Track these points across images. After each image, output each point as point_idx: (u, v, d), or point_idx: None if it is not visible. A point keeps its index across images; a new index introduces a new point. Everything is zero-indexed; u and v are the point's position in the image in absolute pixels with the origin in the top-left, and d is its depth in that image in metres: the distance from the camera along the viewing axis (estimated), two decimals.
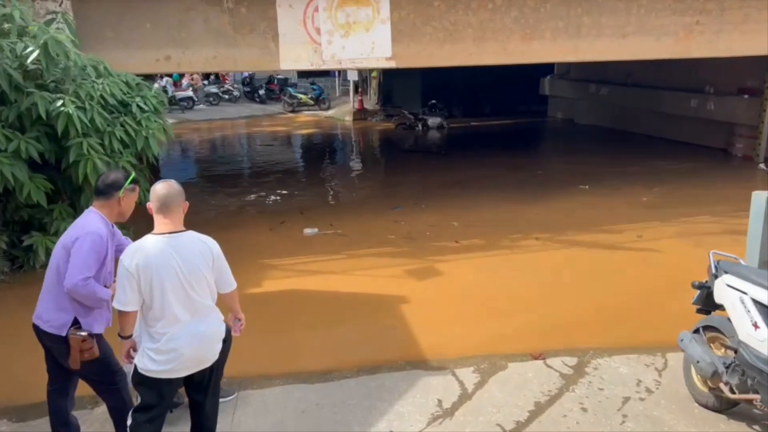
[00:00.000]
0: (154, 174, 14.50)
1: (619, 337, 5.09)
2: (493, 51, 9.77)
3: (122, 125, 6.81)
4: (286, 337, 5.30)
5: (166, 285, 2.94)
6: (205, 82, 25.76)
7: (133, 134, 6.87)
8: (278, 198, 10.77)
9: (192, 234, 3.16)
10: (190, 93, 23.06)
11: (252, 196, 10.94)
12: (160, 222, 3.11)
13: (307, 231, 8.40)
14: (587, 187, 10.85)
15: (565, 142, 17.00)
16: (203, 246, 3.15)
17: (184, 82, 25.19)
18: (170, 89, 22.44)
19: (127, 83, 7.19)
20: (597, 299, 5.91)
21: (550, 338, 5.09)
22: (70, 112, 6.12)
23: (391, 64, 9.30)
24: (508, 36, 9.58)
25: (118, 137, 6.67)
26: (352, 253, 7.46)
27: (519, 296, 6.06)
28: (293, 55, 8.89)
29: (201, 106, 24.43)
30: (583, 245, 7.50)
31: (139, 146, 6.93)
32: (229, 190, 11.51)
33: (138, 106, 7.04)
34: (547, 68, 20.66)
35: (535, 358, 4.72)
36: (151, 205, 3.12)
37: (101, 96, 6.57)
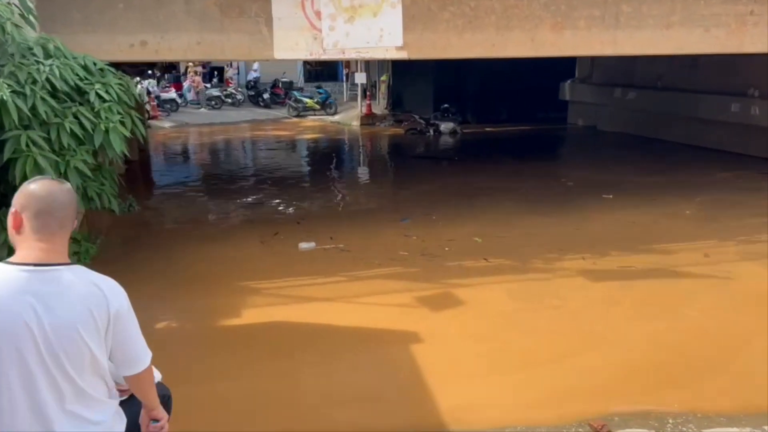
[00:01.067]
0: (145, 177, 13.49)
1: (707, 396, 3.82)
2: (518, 41, 8.56)
3: (75, 116, 5.61)
4: (263, 389, 4.06)
5: (6, 355, 1.70)
6: (208, 85, 24.69)
7: (89, 128, 5.67)
8: (274, 206, 9.56)
9: (79, 271, 1.90)
10: (173, 95, 21.93)
11: (245, 203, 9.74)
12: (26, 244, 1.86)
13: (303, 245, 7.17)
14: (611, 196, 9.63)
15: (588, 149, 15.70)
16: (94, 294, 1.87)
17: (185, 84, 24.15)
18: (153, 91, 21.31)
19: (85, 67, 5.99)
20: (669, 341, 4.64)
21: (612, 397, 3.83)
22: (4, 97, 4.93)
23: (402, 55, 8.09)
24: (537, 24, 8.36)
25: (69, 130, 5.47)
26: (355, 274, 6.22)
27: (567, 335, 4.79)
28: (289, 43, 7.70)
29: (202, 109, 23.34)
30: (636, 268, 6.22)
31: (97, 142, 5.70)
32: (221, 197, 10.32)
33: (97, 94, 5.84)
34: (567, 73, 19.48)
35: (597, 431, 3.45)
36: (16, 213, 1.89)
37: (48, 80, 5.38)
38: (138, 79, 16.08)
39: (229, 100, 24.48)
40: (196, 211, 9.41)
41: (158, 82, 23.53)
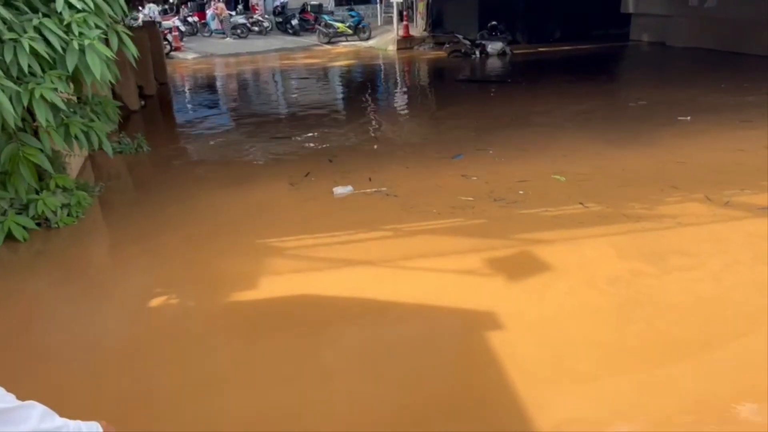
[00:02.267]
0: (165, 114, 12.25)
1: None
2: None
3: (39, 31, 4.34)
4: (287, 395, 2.90)
5: None
6: (232, 12, 23.06)
7: (59, 47, 4.40)
8: (305, 142, 8.25)
9: None
10: (176, 22, 20.23)
11: (274, 139, 8.44)
12: None
13: (338, 191, 5.89)
14: (689, 118, 8.13)
15: (659, 68, 13.73)
16: None
17: (209, 12, 22.58)
18: (154, 17, 19.67)
19: None
20: None
21: None
22: None
23: None
24: None
25: (28, 50, 4.20)
26: (405, 227, 4.93)
27: (713, 309, 3.46)
28: None
29: (227, 39, 21.85)
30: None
31: (71, 66, 4.45)
32: (247, 133, 9.05)
33: (67, 1, 4.52)
34: None
35: None
36: None
37: None
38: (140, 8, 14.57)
39: (256, 28, 22.86)
40: (219, 150, 8.19)
41: (172, 10, 21.87)
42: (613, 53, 16.17)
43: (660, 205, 5.00)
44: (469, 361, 3.15)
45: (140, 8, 14.04)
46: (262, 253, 4.60)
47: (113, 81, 5.01)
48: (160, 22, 19.88)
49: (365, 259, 4.37)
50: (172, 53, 19.48)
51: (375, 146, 7.96)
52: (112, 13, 4.92)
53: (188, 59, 19.12)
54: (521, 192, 5.45)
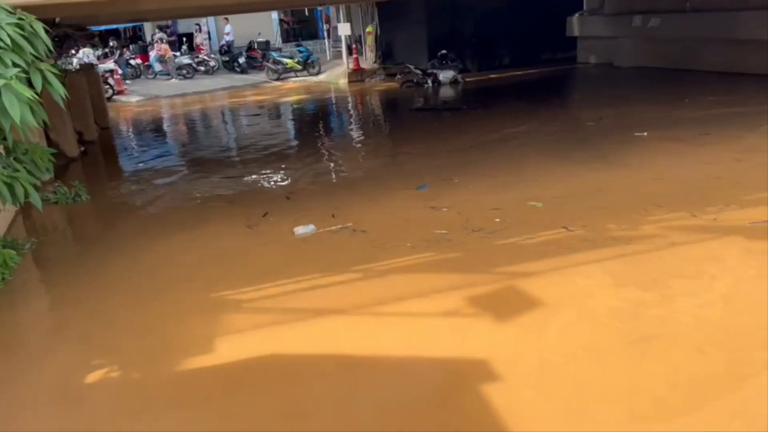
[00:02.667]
0: (108, 159, 11.47)
1: None
2: None
3: None
4: None
5: None
6: (177, 53, 22.49)
7: None
8: (261, 180, 7.76)
9: None
10: (111, 65, 19.51)
11: (227, 179, 7.92)
12: None
13: (300, 230, 5.41)
14: (645, 134, 8.05)
15: (609, 88, 13.86)
16: None
17: (152, 54, 21.95)
18: (90, 60, 18.90)
19: None
20: None
21: None
22: None
23: None
24: None
25: None
26: (377, 266, 4.48)
27: (731, 336, 3.09)
28: None
29: (172, 80, 21.21)
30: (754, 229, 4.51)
31: None
32: (198, 175, 8.50)
33: None
34: (571, 6, 17.50)
35: None
36: None
37: None
38: (73, 51, 13.86)
39: (202, 68, 22.32)
40: (167, 194, 7.60)
41: (113, 53, 21.15)
42: (564, 76, 16.31)
43: (647, 225, 4.71)
44: (466, 422, 2.68)
45: (74, 52, 13.36)
46: (218, 309, 4.06)
47: (39, 125, 4.44)
48: (96, 65, 19.13)
49: (337, 307, 3.89)
50: (115, 97, 18.77)
51: (334, 180, 7.54)
52: (33, 50, 4.38)
53: (132, 102, 18.44)
54: (498, 220, 5.09)
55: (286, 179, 7.69)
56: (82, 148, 10.64)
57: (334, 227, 5.39)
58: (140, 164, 9.83)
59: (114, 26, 25.05)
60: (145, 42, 24.57)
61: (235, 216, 6.29)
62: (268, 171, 8.20)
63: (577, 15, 17.26)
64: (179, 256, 5.32)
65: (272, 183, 7.59)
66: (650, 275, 3.86)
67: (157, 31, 23.29)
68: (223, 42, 23.81)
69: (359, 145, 10.19)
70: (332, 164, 8.66)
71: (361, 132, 11.49)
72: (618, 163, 6.74)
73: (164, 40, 22.25)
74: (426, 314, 3.67)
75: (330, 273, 4.44)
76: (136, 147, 11.85)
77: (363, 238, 5.05)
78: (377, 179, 7.31)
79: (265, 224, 5.95)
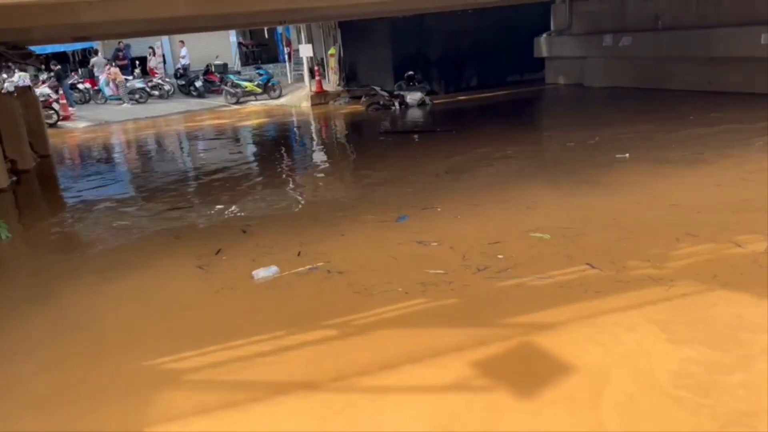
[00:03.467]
0: (46, 191, 10.25)
1: None
2: None
3: None
4: None
5: None
6: (129, 77, 21.35)
7: None
8: (215, 212, 6.83)
9: None
10: (46, 90, 18.19)
11: (177, 211, 6.95)
12: None
13: (260, 273, 4.50)
14: (627, 155, 7.46)
15: (582, 108, 13.43)
16: None
17: (101, 78, 20.77)
18: (24, 85, 17.65)
19: None
20: None
21: None
22: None
23: None
24: None
25: None
26: (360, 319, 3.61)
27: None
28: None
29: (124, 104, 20.06)
30: None
31: None
32: (144, 206, 7.51)
33: None
34: (538, 26, 17.18)
35: None
36: None
37: None
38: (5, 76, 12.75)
39: (156, 92, 21.23)
40: (108, 229, 6.59)
41: (50, 77, 19.82)
42: (534, 97, 15.88)
43: (685, 259, 3.98)
44: None
45: (6, 75, 12.21)
46: (152, 383, 3.13)
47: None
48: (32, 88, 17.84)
49: (306, 380, 2.99)
50: (60, 123, 17.54)
51: (297, 211, 6.65)
52: None
53: (78, 128, 17.23)
54: (501, 257, 4.28)
55: (243, 210, 6.78)
56: (14, 178, 9.51)
57: (301, 268, 4.50)
58: (80, 195, 8.76)
59: (62, 48, 23.85)
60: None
61: (184, 254, 5.36)
62: (222, 200, 7.28)
63: (544, 35, 16.92)
64: (115, 308, 4.36)
65: (227, 214, 6.67)
66: (711, 326, 3.10)
67: (94, 55, 22.20)
68: (179, 65, 22.79)
69: (324, 171, 9.34)
70: (295, 192, 7.79)
71: (325, 157, 10.65)
72: (614, 188, 6.06)
73: (113, 63, 21.15)
74: (424, 389, 2.81)
75: (299, 330, 3.55)
76: (77, 176, 10.73)
77: (340, 281, 4.18)
78: (347, 209, 6.41)
79: (218, 263, 5.03)
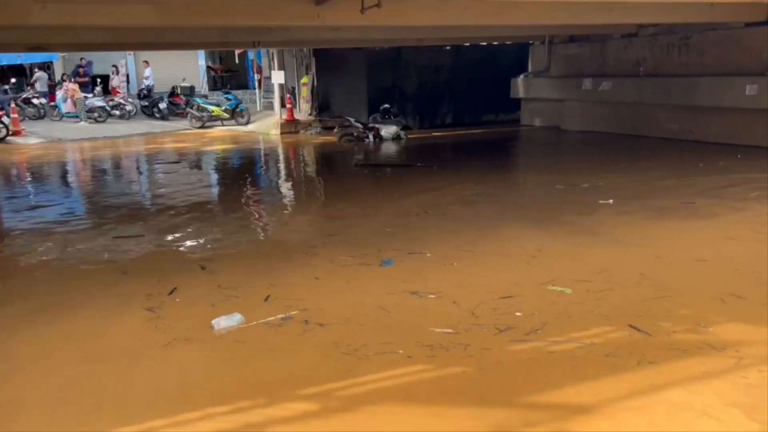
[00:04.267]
0: None
1: None
2: None
3: None
4: None
5: None
6: (89, 95, 20.32)
7: None
8: (169, 244, 6.02)
9: None
10: None
11: (127, 242, 6.09)
12: None
13: (221, 323, 3.72)
14: (611, 201, 7.00)
15: (564, 151, 13.14)
16: None
17: (59, 94, 19.71)
18: None
19: None
20: None
21: None
22: None
23: None
24: None
25: None
26: (346, 391, 2.85)
27: None
28: None
29: (81, 123, 19.00)
30: None
31: None
32: (90, 235, 6.62)
33: None
34: (515, 67, 17.02)
35: None
36: None
37: None
38: None
39: (117, 112, 20.24)
40: (41, 261, 5.68)
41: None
42: (511, 137, 15.57)
43: (740, 323, 3.37)
44: None
45: None
46: None
47: None
48: None
49: None
50: (9, 138, 16.41)
51: (263, 248, 5.88)
52: None
53: (29, 144, 16.13)
54: (519, 314, 3.61)
55: (202, 243, 5.99)
56: None
57: (272, 317, 3.74)
58: (13, 217, 7.80)
59: (19, 62, 22.74)
60: (53, 81, 22.30)
61: (132, 293, 4.54)
62: (179, 231, 6.48)
63: (522, 76, 16.72)
64: (38, 360, 3.53)
65: (183, 246, 5.87)
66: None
67: (36, 70, 21.23)
68: (143, 86, 21.90)
69: (294, 203, 8.60)
70: (261, 226, 7.03)
71: (295, 188, 9.93)
72: (618, 238, 5.48)
73: (71, 79, 20.15)
74: None
75: (269, 401, 2.79)
76: (16, 197, 9.72)
77: (322, 336, 3.44)
78: (320, 248, 5.64)
79: (171, 306, 4.23)
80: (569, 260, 4.75)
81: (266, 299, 4.16)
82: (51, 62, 23.27)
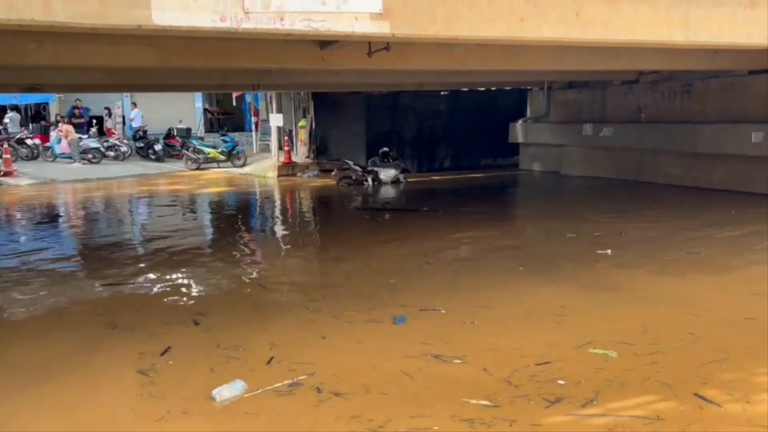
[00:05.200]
0: None
1: None
2: (558, 16, 5.41)
3: None
4: None
5: None
6: (84, 136, 20.12)
7: None
8: (162, 294, 5.66)
9: None
10: None
11: (115, 293, 5.73)
12: None
13: (224, 393, 3.34)
14: (609, 252, 6.78)
15: (564, 197, 12.92)
16: None
17: (53, 135, 19.50)
18: None
19: None
20: None
21: None
22: None
23: (382, 29, 4.74)
24: None
25: None
26: None
27: None
28: None
29: (75, 164, 18.72)
30: None
31: None
32: (76, 283, 6.27)
33: None
34: (512, 112, 17.01)
35: None
36: None
37: None
38: None
39: (112, 153, 20.03)
40: (23, 311, 5.30)
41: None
42: (511, 182, 15.42)
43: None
44: None
45: None
46: None
47: None
48: None
49: None
50: (1, 179, 16.12)
51: (260, 299, 5.50)
52: None
53: (21, 185, 15.82)
54: (562, 382, 3.26)
55: (196, 293, 5.65)
56: None
57: (279, 383, 3.37)
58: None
59: (14, 102, 22.60)
60: (48, 122, 22.14)
61: (121, 351, 4.19)
62: (171, 278, 6.14)
63: (520, 121, 16.69)
64: None
65: (175, 297, 5.52)
66: None
67: (9, 110, 21.08)
68: (129, 127, 21.75)
69: (291, 249, 8.29)
70: (257, 274, 6.69)
71: (292, 234, 9.63)
72: (642, 293, 5.17)
73: (65, 120, 20.02)
74: None
75: None
76: (6, 238, 9.36)
77: (340, 408, 3.07)
78: (321, 301, 5.22)
79: (166, 367, 3.87)
80: (599, 320, 4.41)
81: (269, 362, 3.79)
82: (47, 103, 23.18)
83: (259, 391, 3.31)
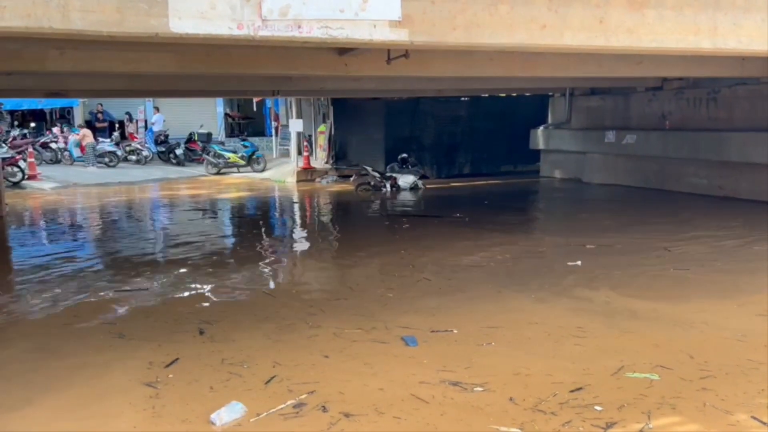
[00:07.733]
0: None
1: None
2: (581, 23, 5.28)
3: None
4: None
5: None
6: (106, 140, 20.35)
7: None
8: (174, 301, 5.64)
9: None
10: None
11: (125, 293, 5.73)
12: None
13: (223, 417, 3.24)
14: (579, 263, 6.72)
15: (592, 206, 12.65)
16: None
17: (71, 139, 19.76)
18: None
19: None
20: None
21: None
22: None
23: (401, 36, 4.65)
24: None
25: None
26: None
27: None
28: (198, 4, 4.10)
29: (90, 167, 18.91)
30: None
31: None
32: (91, 282, 6.28)
33: None
34: (533, 118, 16.83)
35: None
36: None
37: None
38: None
39: (134, 157, 20.27)
40: (42, 319, 5.31)
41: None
42: (532, 189, 15.22)
43: None
44: None
45: None
46: None
47: None
48: None
49: None
50: (25, 182, 16.35)
51: (265, 310, 5.36)
52: None
53: (45, 189, 16.03)
54: (600, 409, 3.10)
55: (204, 300, 5.61)
56: None
57: (282, 405, 3.29)
58: (19, 265, 7.50)
59: (40, 106, 22.99)
60: (72, 124, 22.49)
61: (128, 360, 4.15)
62: (183, 284, 6.14)
63: (541, 128, 16.51)
64: None
65: (185, 304, 5.50)
66: None
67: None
68: (158, 131, 21.95)
69: (304, 256, 8.24)
70: (265, 281, 6.65)
71: (308, 240, 9.57)
72: (675, 316, 4.96)
73: (85, 125, 20.33)
74: None
75: None
76: (28, 242, 9.47)
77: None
78: (320, 316, 5.07)
79: (172, 381, 3.81)
80: (625, 341, 4.22)
81: (270, 380, 3.67)
82: (71, 107, 23.54)
83: (264, 414, 3.22)
